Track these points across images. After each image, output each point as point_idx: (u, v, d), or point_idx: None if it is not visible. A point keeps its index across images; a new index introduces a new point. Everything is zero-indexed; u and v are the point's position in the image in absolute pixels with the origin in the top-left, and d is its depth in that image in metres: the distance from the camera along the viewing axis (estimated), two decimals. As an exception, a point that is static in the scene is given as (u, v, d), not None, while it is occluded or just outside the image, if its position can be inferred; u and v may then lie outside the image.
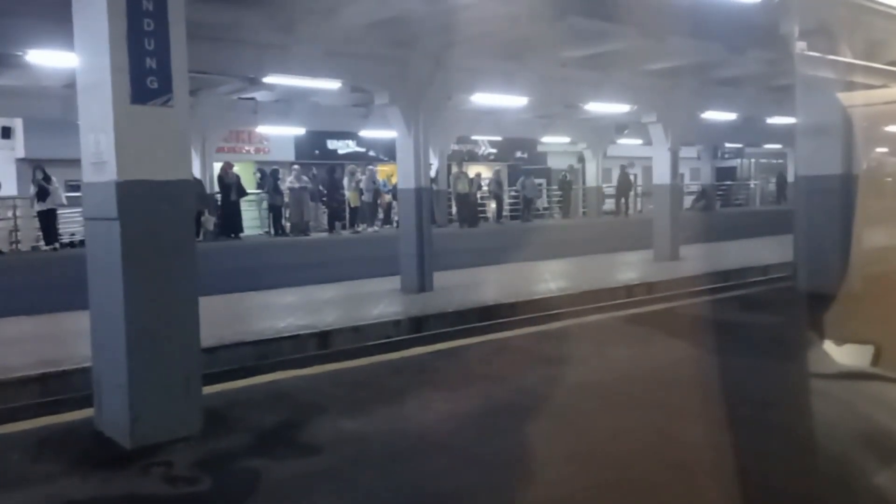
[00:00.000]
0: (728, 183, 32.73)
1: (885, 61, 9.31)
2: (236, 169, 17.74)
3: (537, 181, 25.39)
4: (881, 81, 9.18)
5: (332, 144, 23.95)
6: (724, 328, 6.72)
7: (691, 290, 10.86)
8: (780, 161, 31.17)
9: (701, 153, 27.29)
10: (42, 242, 14.74)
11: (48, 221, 14.43)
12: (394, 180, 17.99)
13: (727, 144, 31.25)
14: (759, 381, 4.47)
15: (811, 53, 8.44)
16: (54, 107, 13.57)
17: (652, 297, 11.42)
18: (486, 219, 21.79)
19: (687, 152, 24.02)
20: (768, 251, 15.23)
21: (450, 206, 21.07)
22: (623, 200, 24.45)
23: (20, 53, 9.43)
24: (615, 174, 26.97)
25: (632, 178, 26.73)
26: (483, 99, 14.90)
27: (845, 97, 8.38)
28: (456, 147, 24.28)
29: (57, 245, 14.33)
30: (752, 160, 36.18)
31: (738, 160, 35.35)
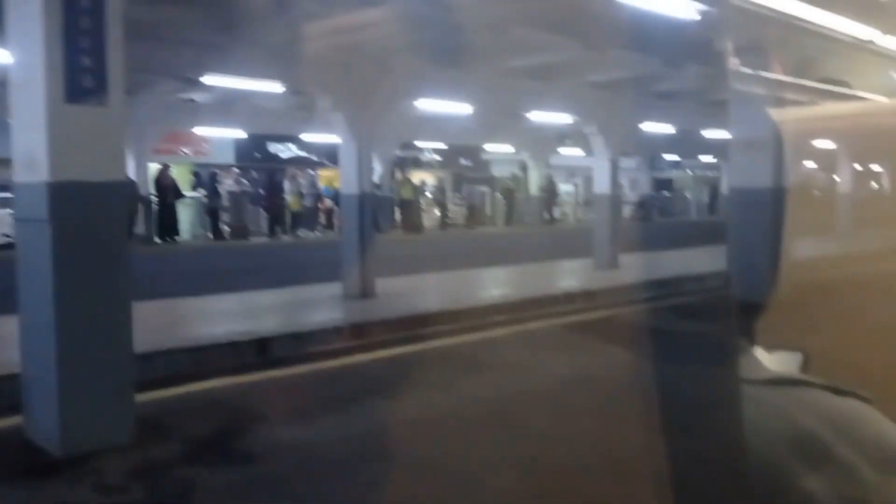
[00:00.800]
0: (665, 194, 33.48)
1: (815, 79, 9.67)
2: (174, 171, 17.39)
3: (481, 189, 25.56)
4: (810, 98, 9.54)
5: (273, 148, 23.65)
6: (661, 335, 6.87)
7: (630, 299, 11.06)
8: (715, 173, 32.04)
9: (639, 164, 27.94)
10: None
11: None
12: (336, 185, 17.89)
13: (665, 156, 31.99)
14: (694, 386, 4.58)
15: (744, 70, 8.71)
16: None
17: (592, 304, 11.58)
18: (446, 223, 21.82)
19: (626, 163, 24.51)
20: (703, 261, 15.59)
21: (393, 213, 21.05)
22: (550, 209, 24.48)
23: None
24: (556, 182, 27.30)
25: (573, 187, 27.10)
26: (427, 106, 14.94)
27: (776, 113, 8.67)
28: (400, 153, 24.29)
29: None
30: (689, 172, 37.10)
31: (676, 171, 36.22)
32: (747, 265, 9.21)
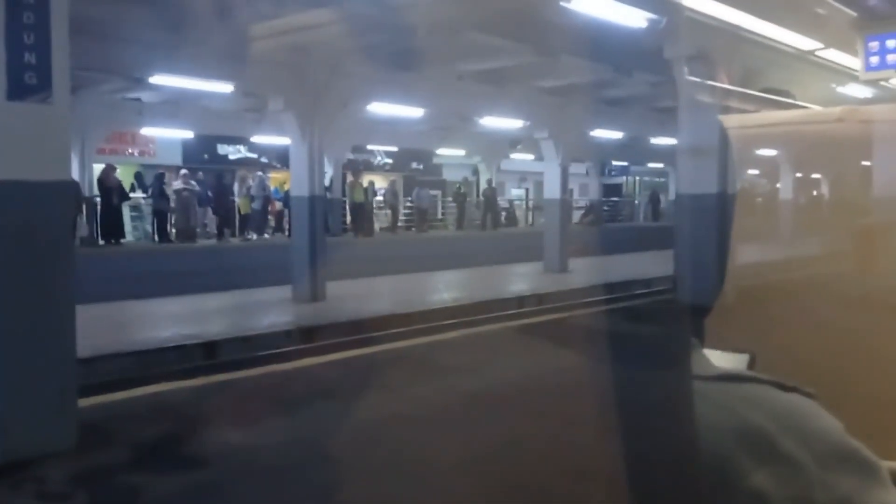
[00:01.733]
0: (614, 199, 33.96)
1: (759, 88, 9.94)
2: (119, 172, 17.02)
3: (432, 192, 25.59)
4: (755, 107, 9.81)
5: (222, 149, 23.27)
6: (610, 338, 6.97)
7: (580, 302, 11.19)
8: (663, 179, 32.62)
9: (589, 170, 28.30)
10: None
11: None
12: (286, 187, 17.71)
13: (614, 162, 32.46)
14: (644, 386, 4.65)
15: (692, 78, 8.91)
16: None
17: (543, 307, 11.70)
18: (397, 227, 21.76)
19: (576, 168, 24.79)
20: (650, 265, 15.88)
21: (344, 216, 20.94)
22: (489, 215, 24.37)
23: None
24: (508, 187, 27.46)
25: (524, 192, 27.26)
26: (379, 108, 14.91)
27: (723, 120, 8.90)
28: (351, 156, 24.17)
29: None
30: (637, 178, 37.73)
31: (624, 177, 36.80)
32: (694, 269, 9.41)
